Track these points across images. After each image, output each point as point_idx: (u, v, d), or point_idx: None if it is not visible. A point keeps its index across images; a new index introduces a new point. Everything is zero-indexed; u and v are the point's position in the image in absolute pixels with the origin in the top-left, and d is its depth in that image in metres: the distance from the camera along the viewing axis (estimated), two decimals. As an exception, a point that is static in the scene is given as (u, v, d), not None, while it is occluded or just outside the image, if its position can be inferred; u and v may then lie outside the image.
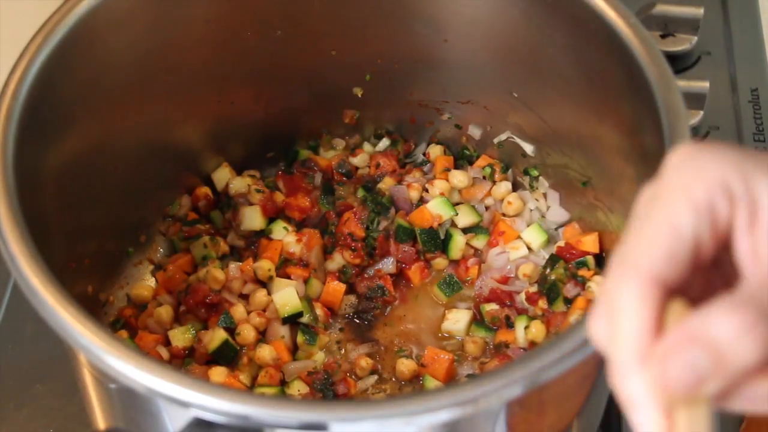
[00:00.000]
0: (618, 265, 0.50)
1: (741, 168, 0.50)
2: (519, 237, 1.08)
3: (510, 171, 1.13)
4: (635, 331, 0.48)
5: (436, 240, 1.09)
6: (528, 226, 1.09)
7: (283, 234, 1.08)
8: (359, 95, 1.13)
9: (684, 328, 0.46)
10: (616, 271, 0.50)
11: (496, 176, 1.12)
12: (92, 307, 1.00)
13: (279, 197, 1.11)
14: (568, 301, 1.00)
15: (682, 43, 1.30)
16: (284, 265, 1.06)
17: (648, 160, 0.83)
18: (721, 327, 0.45)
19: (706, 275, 0.52)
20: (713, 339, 0.45)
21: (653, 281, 0.48)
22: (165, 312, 1.02)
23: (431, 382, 0.99)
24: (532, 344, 1.00)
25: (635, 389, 0.48)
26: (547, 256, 1.05)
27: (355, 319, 1.06)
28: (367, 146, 1.17)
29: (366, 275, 1.08)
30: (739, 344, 0.45)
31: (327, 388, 0.98)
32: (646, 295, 0.48)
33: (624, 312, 0.48)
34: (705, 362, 0.45)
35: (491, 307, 1.04)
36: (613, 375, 0.49)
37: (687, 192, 0.50)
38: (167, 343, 1.00)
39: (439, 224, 1.09)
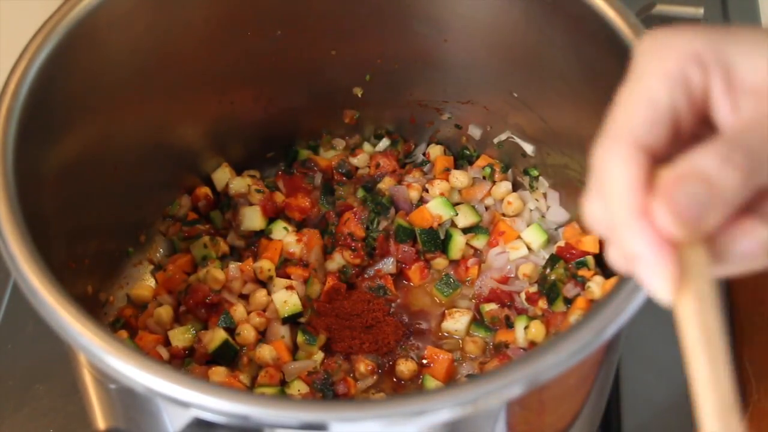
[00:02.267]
0: (602, 142, 0.53)
1: (709, 39, 0.53)
2: (519, 237, 1.08)
3: (510, 171, 1.13)
4: (627, 189, 0.51)
5: (436, 240, 1.09)
6: (528, 226, 1.09)
7: (283, 234, 1.08)
8: (359, 95, 1.13)
9: (674, 170, 0.50)
10: (601, 148, 0.53)
11: (496, 176, 1.12)
12: (92, 307, 1.00)
13: (279, 197, 1.11)
14: (568, 301, 1.00)
15: (682, 43, 1.30)
16: (284, 265, 1.06)
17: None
18: (706, 161, 0.49)
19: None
20: (702, 172, 0.49)
21: (636, 146, 0.51)
22: (165, 312, 1.02)
23: (431, 382, 0.99)
24: (532, 344, 1.00)
25: (638, 243, 0.50)
26: (547, 256, 1.05)
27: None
28: (367, 146, 1.17)
29: (366, 275, 1.08)
30: (724, 172, 0.49)
31: (327, 388, 0.98)
32: (631, 156, 0.51)
33: (614, 176, 0.51)
34: (702, 191, 0.48)
35: (491, 307, 1.04)
36: (611, 245, 0.52)
37: (659, 65, 0.53)
38: (167, 343, 1.00)
39: (439, 224, 1.09)
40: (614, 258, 0.53)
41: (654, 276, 0.50)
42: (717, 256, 0.51)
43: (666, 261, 0.49)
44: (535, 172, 1.11)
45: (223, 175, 1.13)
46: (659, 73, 0.53)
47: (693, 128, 0.54)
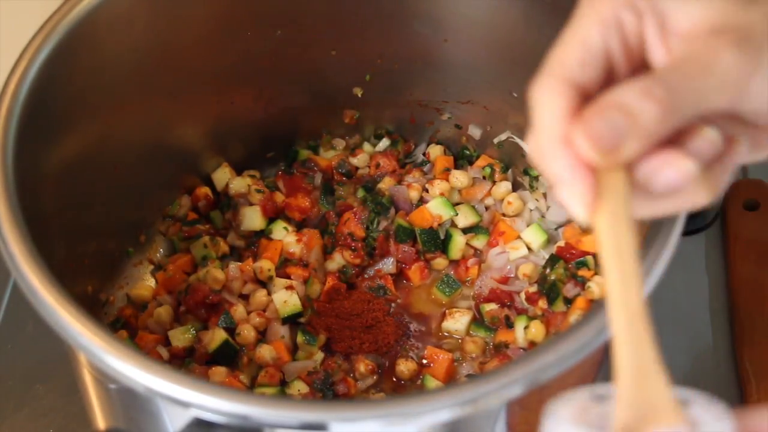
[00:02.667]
0: (538, 79, 0.57)
1: None
2: (519, 237, 1.08)
3: (510, 171, 1.13)
4: (552, 118, 0.54)
5: (436, 240, 1.09)
6: (528, 226, 1.09)
7: (283, 234, 1.08)
8: (359, 95, 1.13)
9: (597, 102, 0.53)
10: (536, 83, 0.56)
11: (496, 176, 1.12)
12: (92, 307, 1.00)
13: (279, 197, 1.11)
14: (568, 301, 1.00)
15: (682, 43, 1.30)
16: (284, 265, 1.06)
17: (648, 160, 0.83)
18: (627, 94, 0.52)
19: None
20: (622, 103, 0.52)
21: (566, 81, 0.55)
22: (165, 312, 1.02)
23: (431, 382, 0.99)
24: (532, 344, 1.00)
25: (560, 167, 0.54)
26: (547, 256, 1.05)
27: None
28: (367, 146, 1.17)
29: (366, 275, 1.08)
30: (644, 104, 0.52)
31: (327, 388, 0.98)
32: (560, 90, 0.55)
33: (543, 108, 0.55)
34: (621, 121, 0.52)
35: (491, 307, 1.04)
36: (541, 166, 0.56)
37: (595, 10, 0.57)
38: (167, 343, 1.00)
39: (439, 224, 1.09)
40: (543, 170, 0.57)
41: (571, 196, 0.54)
42: (642, 184, 0.54)
43: (581, 183, 0.53)
44: (535, 172, 1.11)
45: (223, 175, 1.12)
46: (594, 17, 0.57)
47: (631, 71, 0.57)
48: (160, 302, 1.03)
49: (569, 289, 1.00)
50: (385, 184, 1.11)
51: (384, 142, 1.17)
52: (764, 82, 0.55)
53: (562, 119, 0.54)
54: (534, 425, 0.79)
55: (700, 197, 0.56)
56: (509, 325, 1.02)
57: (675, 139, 0.54)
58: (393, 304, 1.07)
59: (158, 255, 1.09)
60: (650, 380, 0.49)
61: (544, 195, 1.10)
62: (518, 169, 1.13)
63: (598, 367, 0.81)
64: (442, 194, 1.10)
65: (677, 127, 0.53)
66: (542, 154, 0.55)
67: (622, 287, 0.52)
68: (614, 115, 0.52)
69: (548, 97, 0.55)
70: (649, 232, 0.74)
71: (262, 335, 1.02)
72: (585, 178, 0.53)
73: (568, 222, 1.08)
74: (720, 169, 0.57)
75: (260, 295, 1.03)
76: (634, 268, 0.52)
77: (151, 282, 1.07)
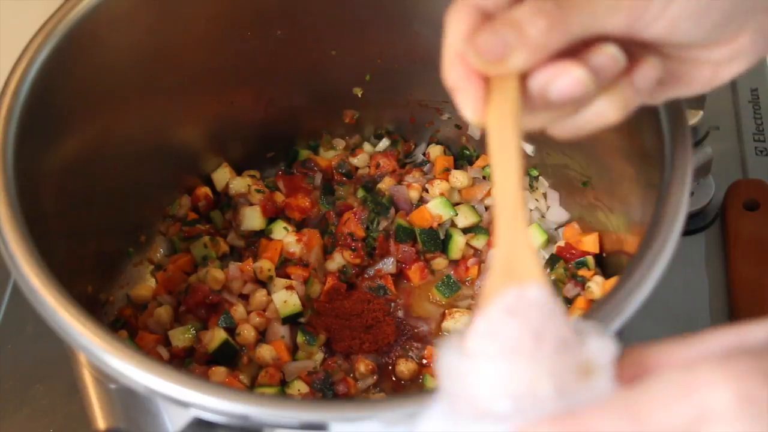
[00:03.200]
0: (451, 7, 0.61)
1: None
2: (519, 237, 1.07)
3: (510, 171, 1.13)
4: (454, 37, 0.60)
5: (436, 240, 1.09)
6: (528, 226, 1.09)
7: (283, 234, 1.08)
8: (359, 95, 1.13)
9: (492, 21, 0.57)
10: (449, 11, 0.61)
11: (496, 176, 1.12)
12: (92, 307, 1.00)
13: (279, 197, 1.11)
14: (568, 301, 1.00)
15: (682, 43, 1.30)
16: (284, 265, 1.06)
17: (648, 160, 0.83)
18: (519, 11, 0.56)
19: None
20: (513, 18, 0.56)
21: (472, 6, 0.60)
22: (165, 312, 1.02)
23: (431, 382, 0.99)
24: (532, 344, 1.00)
25: (455, 77, 0.59)
26: (547, 256, 1.06)
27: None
28: (367, 146, 1.17)
29: (366, 275, 1.08)
30: (532, 18, 0.56)
31: (327, 388, 0.98)
32: (465, 14, 0.60)
33: (449, 29, 0.60)
34: (508, 34, 0.56)
35: (491, 307, 1.04)
36: (444, 79, 0.61)
37: None
38: (167, 343, 1.00)
39: (439, 224, 1.09)
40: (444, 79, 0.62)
41: (462, 100, 0.59)
42: (541, 93, 0.57)
43: (471, 89, 0.58)
44: (535, 172, 1.11)
45: (223, 175, 1.13)
46: None
47: None
48: (160, 302, 1.03)
49: (569, 289, 1.00)
50: (385, 184, 1.11)
51: (384, 142, 1.17)
52: (660, 7, 0.57)
53: (461, 37, 0.59)
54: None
55: (610, 114, 0.60)
56: (509, 325, 1.02)
57: (578, 56, 0.57)
58: (393, 304, 1.07)
59: (158, 255, 1.09)
60: (521, 251, 0.53)
61: (544, 195, 1.10)
62: (518, 169, 1.12)
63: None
64: (442, 194, 1.10)
65: (569, 41, 0.56)
66: (444, 68, 0.60)
67: (504, 177, 0.56)
68: (503, 28, 0.56)
69: (454, 20, 0.60)
70: (649, 232, 0.74)
71: (262, 335, 1.02)
72: (475, 85, 0.58)
73: (568, 222, 1.08)
74: (628, 88, 0.60)
75: (260, 295, 1.03)
76: (515, 160, 0.56)
77: (151, 282, 1.07)
